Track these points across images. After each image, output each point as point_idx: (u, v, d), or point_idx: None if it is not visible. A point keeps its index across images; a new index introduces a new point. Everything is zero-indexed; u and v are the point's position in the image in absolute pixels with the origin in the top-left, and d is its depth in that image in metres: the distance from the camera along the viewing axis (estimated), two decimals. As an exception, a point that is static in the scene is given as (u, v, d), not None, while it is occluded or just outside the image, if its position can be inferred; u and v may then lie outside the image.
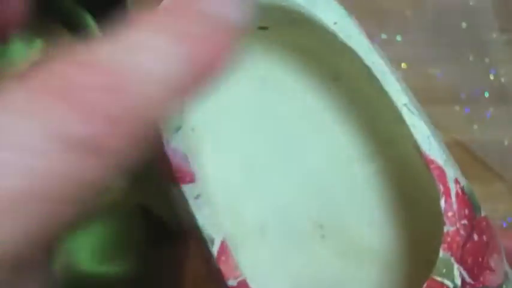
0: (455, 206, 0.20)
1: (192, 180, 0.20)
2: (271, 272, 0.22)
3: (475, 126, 0.35)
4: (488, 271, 0.20)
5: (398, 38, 0.36)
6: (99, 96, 0.12)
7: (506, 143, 0.34)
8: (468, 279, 0.19)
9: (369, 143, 0.24)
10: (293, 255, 0.23)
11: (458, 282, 0.19)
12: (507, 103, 0.34)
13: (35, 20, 0.30)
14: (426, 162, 0.20)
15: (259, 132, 0.24)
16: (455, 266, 0.19)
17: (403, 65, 0.36)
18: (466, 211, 0.20)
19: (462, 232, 0.19)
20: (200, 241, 0.20)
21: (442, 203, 0.19)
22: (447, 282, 0.19)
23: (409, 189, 0.23)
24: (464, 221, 0.19)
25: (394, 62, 0.33)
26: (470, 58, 0.36)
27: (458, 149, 0.35)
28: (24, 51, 0.28)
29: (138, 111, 0.13)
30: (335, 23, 0.21)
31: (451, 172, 0.20)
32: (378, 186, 0.24)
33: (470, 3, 0.36)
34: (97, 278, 0.29)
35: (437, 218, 0.20)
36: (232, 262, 0.19)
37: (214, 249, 0.19)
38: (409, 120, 0.20)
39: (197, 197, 0.19)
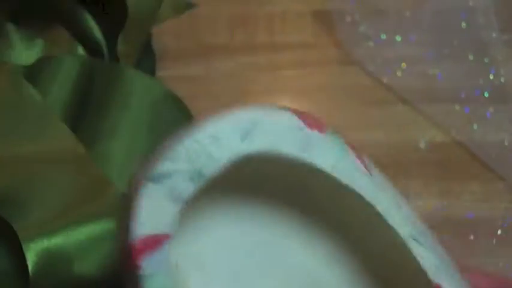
0: None
1: None
2: None
3: (475, 126, 0.35)
4: None
5: (398, 38, 0.37)
6: None
7: (506, 143, 0.34)
8: None
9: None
10: None
11: None
12: (507, 103, 0.34)
13: (35, 20, 0.31)
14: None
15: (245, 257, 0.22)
16: None
17: (403, 64, 0.36)
18: None
19: None
20: None
21: None
22: None
23: None
24: None
25: (394, 62, 0.34)
26: (470, 58, 0.36)
27: (458, 149, 0.35)
28: (24, 50, 0.29)
29: None
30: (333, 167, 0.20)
31: None
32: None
33: (470, 4, 0.36)
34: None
35: None
36: None
37: None
38: (416, 251, 0.19)
39: None
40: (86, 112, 0.31)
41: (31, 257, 0.26)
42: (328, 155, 0.20)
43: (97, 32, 0.32)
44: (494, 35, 0.35)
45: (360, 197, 0.19)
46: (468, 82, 0.36)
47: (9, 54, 0.29)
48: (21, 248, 0.26)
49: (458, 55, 0.36)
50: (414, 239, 0.19)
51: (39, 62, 0.29)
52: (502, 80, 0.34)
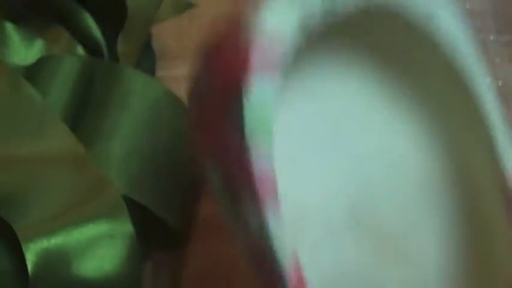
0: None
1: (276, 198, 0.17)
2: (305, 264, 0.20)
3: None
4: None
5: None
6: None
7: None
8: None
9: (433, 146, 0.22)
10: (326, 249, 0.22)
11: None
12: (504, 105, 0.33)
13: (35, 20, 0.31)
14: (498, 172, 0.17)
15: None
16: None
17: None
18: None
19: None
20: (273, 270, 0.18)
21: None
22: None
23: (473, 203, 0.21)
24: None
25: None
26: None
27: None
28: (24, 50, 0.29)
29: None
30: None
31: None
32: (436, 189, 0.22)
33: (467, 6, 0.36)
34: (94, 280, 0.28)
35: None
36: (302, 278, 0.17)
37: (286, 264, 0.17)
38: (500, 143, 0.18)
39: (276, 220, 0.17)
40: (85, 112, 0.31)
41: (30, 257, 0.26)
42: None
43: (97, 32, 0.31)
44: (491, 37, 0.34)
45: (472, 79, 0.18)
46: None
47: (9, 54, 0.29)
48: (21, 249, 0.26)
49: None
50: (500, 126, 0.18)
51: (39, 62, 0.29)
52: (500, 83, 0.34)
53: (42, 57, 0.29)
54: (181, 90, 0.30)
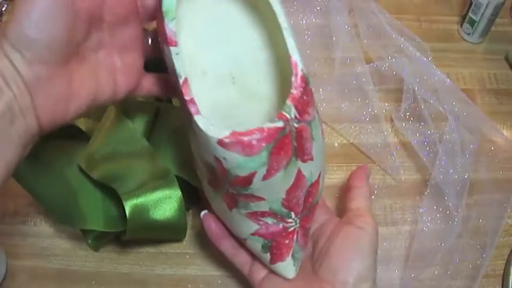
0: (299, 80, 0.29)
1: (176, 45, 0.29)
2: (201, 99, 0.30)
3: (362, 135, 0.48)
4: (307, 114, 0.30)
5: (320, 89, 0.50)
6: None
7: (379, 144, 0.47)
8: (298, 116, 0.29)
9: (267, 43, 0.34)
10: (216, 91, 0.33)
11: (292, 116, 0.29)
12: (379, 122, 0.47)
13: None
14: (290, 59, 0.30)
15: (211, 25, 0.33)
16: (292, 109, 0.29)
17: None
18: (303, 84, 0.30)
19: (299, 94, 0.29)
20: (175, 78, 0.29)
21: (293, 78, 0.30)
22: (287, 114, 0.29)
23: (282, 67, 0.32)
24: (301, 89, 0.30)
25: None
26: (359, 100, 0.49)
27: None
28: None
29: None
30: None
31: (300, 65, 0.30)
32: (268, 63, 0.34)
33: (358, 70, 0.48)
34: (157, 222, 0.39)
35: (290, 85, 0.29)
36: (189, 88, 0.29)
37: (180, 81, 0.29)
38: (286, 36, 0.30)
39: (177, 53, 0.29)
40: (154, 130, 0.43)
41: (127, 209, 0.39)
42: None
43: None
44: (371, 87, 0.48)
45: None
46: (359, 112, 0.49)
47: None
48: (123, 204, 0.39)
49: (352, 98, 0.49)
50: (287, 31, 0.30)
51: (129, 104, 0.42)
52: (376, 111, 0.48)
53: (130, 100, 0.41)
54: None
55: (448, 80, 0.47)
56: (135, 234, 0.40)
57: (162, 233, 0.41)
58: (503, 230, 0.44)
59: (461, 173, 0.43)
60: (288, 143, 0.29)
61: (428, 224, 0.43)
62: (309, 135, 0.31)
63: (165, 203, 0.40)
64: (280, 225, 0.33)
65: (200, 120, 0.29)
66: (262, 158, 0.28)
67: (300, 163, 0.31)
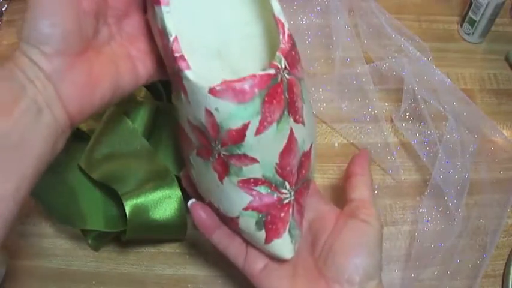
0: (286, 37, 0.30)
1: (168, 3, 0.31)
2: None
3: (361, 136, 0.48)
4: (296, 69, 0.31)
5: (320, 89, 0.50)
6: None
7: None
8: (288, 67, 0.30)
9: (254, 16, 0.34)
10: (202, 65, 0.32)
11: (283, 66, 0.29)
12: (378, 122, 0.46)
13: None
14: (276, 20, 0.31)
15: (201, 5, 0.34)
16: (283, 60, 0.30)
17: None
18: (291, 41, 0.31)
19: (288, 48, 0.30)
20: (165, 37, 0.30)
21: (281, 36, 0.30)
22: (278, 64, 0.29)
23: (270, 42, 0.33)
24: (289, 45, 0.30)
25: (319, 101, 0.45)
26: (359, 99, 0.49)
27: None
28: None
29: None
30: None
31: (286, 26, 0.31)
32: (256, 36, 0.34)
33: (358, 71, 0.49)
34: (156, 222, 0.39)
35: (278, 42, 0.30)
36: (179, 46, 0.29)
37: (171, 39, 0.30)
38: (273, 3, 0.31)
39: (167, 12, 0.31)
40: (154, 130, 0.43)
41: (127, 209, 0.39)
42: None
43: (160, 86, 0.45)
44: (371, 87, 0.48)
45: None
46: (359, 112, 0.50)
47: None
48: (123, 203, 0.39)
49: (352, 98, 0.50)
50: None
51: (130, 103, 0.42)
52: (376, 111, 0.48)
53: (130, 100, 0.42)
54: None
55: (448, 80, 0.47)
56: (135, 234, 0.40)
57: (162, 233, 0.41)
58: (503, 230, 0.44)
59: (461, 173, 0.43)
60: (280, 93, 0.29)
61: (429, 224, 0.43)
62: (300, 93, 0.31)
63: (165, 203, 0.40)
64: (275, 196, 0.31)
65: (191, 74, 0.29)
66: (255, 105, 0.28)
67: (292, 121, 0.30)
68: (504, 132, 0.48)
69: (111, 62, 0.32)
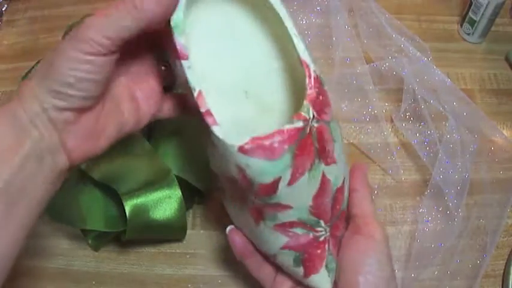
0: (312, 81, 0.30)
1: (187, 58, 0.29)
2: (217, 112, 0.29)
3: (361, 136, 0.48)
4: (325, 114, 0.30)
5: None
6: None
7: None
8: (316, 115, 0.29)
9: (277, 52, 0.34)
10: (231, 107, 0.33)
11: (311, 115, 0.29)
12: (378, 122, 0.46)
13: None
14: (302, 62, 0.30)
15: (221, 41, 0.33)
16: (310, 108, 0.29)
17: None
18: (317, 84, 0.30)
19: (315, 94, 0.29)
20: (190, 93, 0.29)
21: (307, 80, 0.30)
22: (305, 114, 0.29)
23: (295, 75, 0.32)
24: (316, 89, 0.30)
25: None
26: (359, 99, 0.49)
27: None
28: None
29: None
30: None
31: (312, 67, 0.30)
32: (280, 72, 0.34)
33: (358, 71, 0.48)
34: (157, 222, 0.39)
35: (305, 87, 0.30)
36: (204, 100, 0.29)
37: (195, 94, 0.29)
38: (295, 41, 0.30)
39: (189, 67, 0.29)
40: (154, 132, 0.43)
41: (127, 209, 0.39)
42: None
43: None
44: (371, 87, 0.48)
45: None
46: (359, 112, 0.50)
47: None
48: (123, 203, 0.39)
49: (352, 98, 0.50)
50: (295, 35, 0.30)
51: None
52: (376, 111, 0.48)
53: None
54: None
55: (448, 80, 0.47)
56: (135, 234, 0.39)
57: (162, 233, 0.41)
58: (503, 230, 0.44)
59: (461, 173, 0.43)
60: (310, 144, 0.29)
61: (429, 224, 0.43)
62: (330, 136, 0.31)
63: (165, 203, 0.40)
64: (311, 235, 0.32)
65: (218, 131, 0.28)
66: (285, 161, 0.28)
67: (323, 166, 0.30)
68: (504, 132, 0.48)
69: (116, 107, 0.31)
